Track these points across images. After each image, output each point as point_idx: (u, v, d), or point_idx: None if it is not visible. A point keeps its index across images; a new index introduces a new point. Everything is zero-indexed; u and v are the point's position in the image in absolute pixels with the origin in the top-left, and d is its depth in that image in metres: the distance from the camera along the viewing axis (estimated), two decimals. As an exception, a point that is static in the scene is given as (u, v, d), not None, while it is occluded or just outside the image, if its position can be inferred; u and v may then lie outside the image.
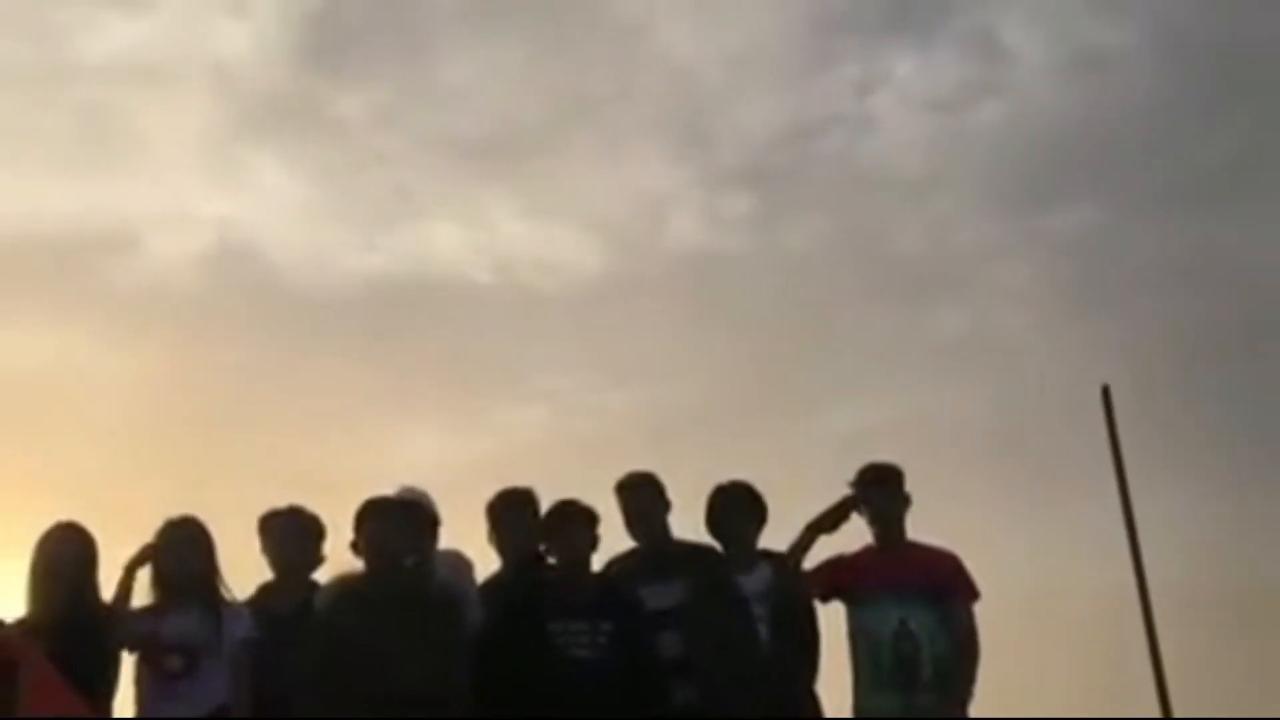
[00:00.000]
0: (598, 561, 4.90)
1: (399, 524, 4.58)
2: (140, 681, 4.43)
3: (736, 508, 4.87)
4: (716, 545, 4.94)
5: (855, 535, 4.96)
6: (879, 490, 4.89)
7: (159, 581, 4.54)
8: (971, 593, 4.88)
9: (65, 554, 4.46)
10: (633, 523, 5.02)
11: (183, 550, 4.55)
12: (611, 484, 5.03)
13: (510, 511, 4.91)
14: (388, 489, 4.71)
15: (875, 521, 4.89)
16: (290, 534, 4.87)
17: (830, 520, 4.85)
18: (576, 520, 4.80)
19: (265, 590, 4.86)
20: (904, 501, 4.93)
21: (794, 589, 4.77)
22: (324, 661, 4.35)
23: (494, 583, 4.87)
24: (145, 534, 4.66)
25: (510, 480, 5.04)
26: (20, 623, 4.34)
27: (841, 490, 4.90)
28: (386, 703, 4.22)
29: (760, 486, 4.94)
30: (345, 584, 4.61)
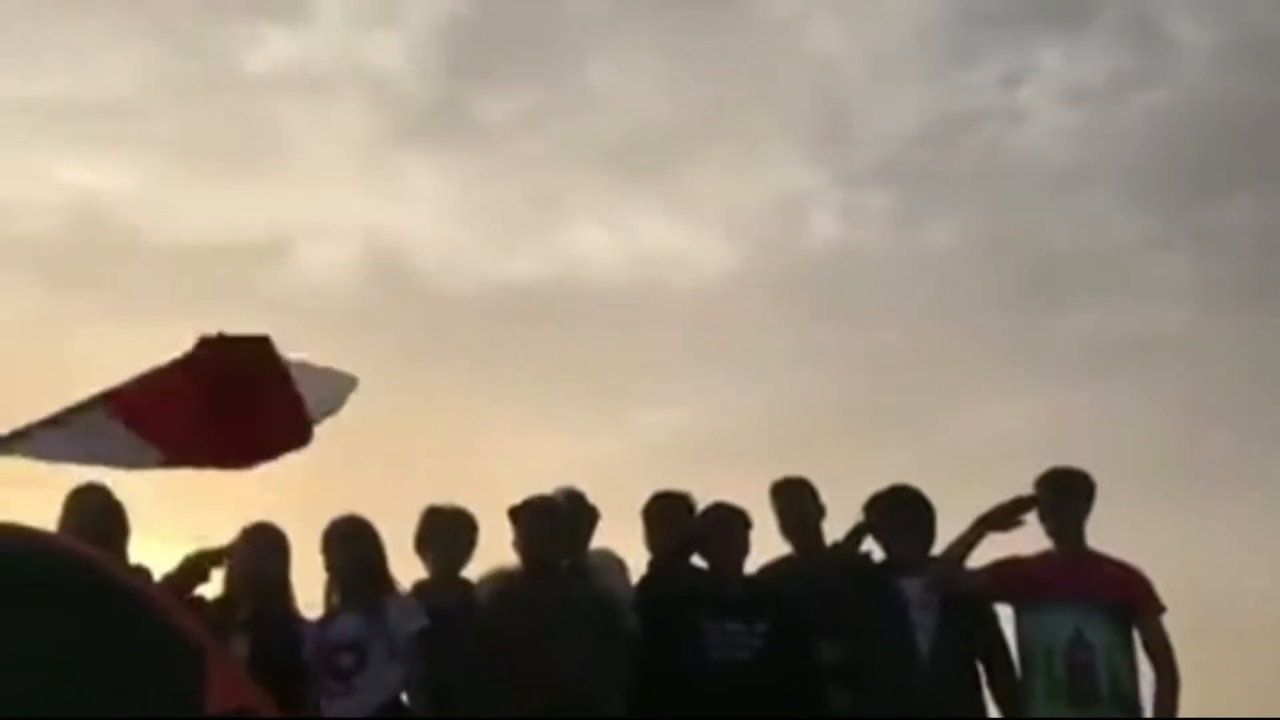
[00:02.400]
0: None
1: (554, 525, 4.62)
2: (313, 680, 4.51)
3: (900, 512, 4.72)
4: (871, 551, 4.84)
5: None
6: (1067, 496, 4.65)
7: (332, 582, 4.67)
8: (1158, 608, 4.61)
9: (263, 555, 4.64)
10: (788, 526, 4.94)
11: (349, 550, 4.67)
12: (745, 486, 4.97)
13: (667, 514, 4.89)
14: (533, 489, 4.73)
15: (1058, 527, 4.64)
16: (451, 532, 4.94)
17: (1003, 517, 4.62)
18: (733, 523, 4.76)
19: (422, 587, 4.92)
20: (1086, 507, 4.68)
21: (959, 595, 4.59)
22: (482, 660, 4.40)
23: (646, 583, 4.85)
24: (312, 533, 4.83)
25: (645, 483, 5.04)
26: (215, 608, 4.56)
27: (986, 495, 4.68)
28: (544, 703, 4.24)
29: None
30: (502, 581, 4.66)
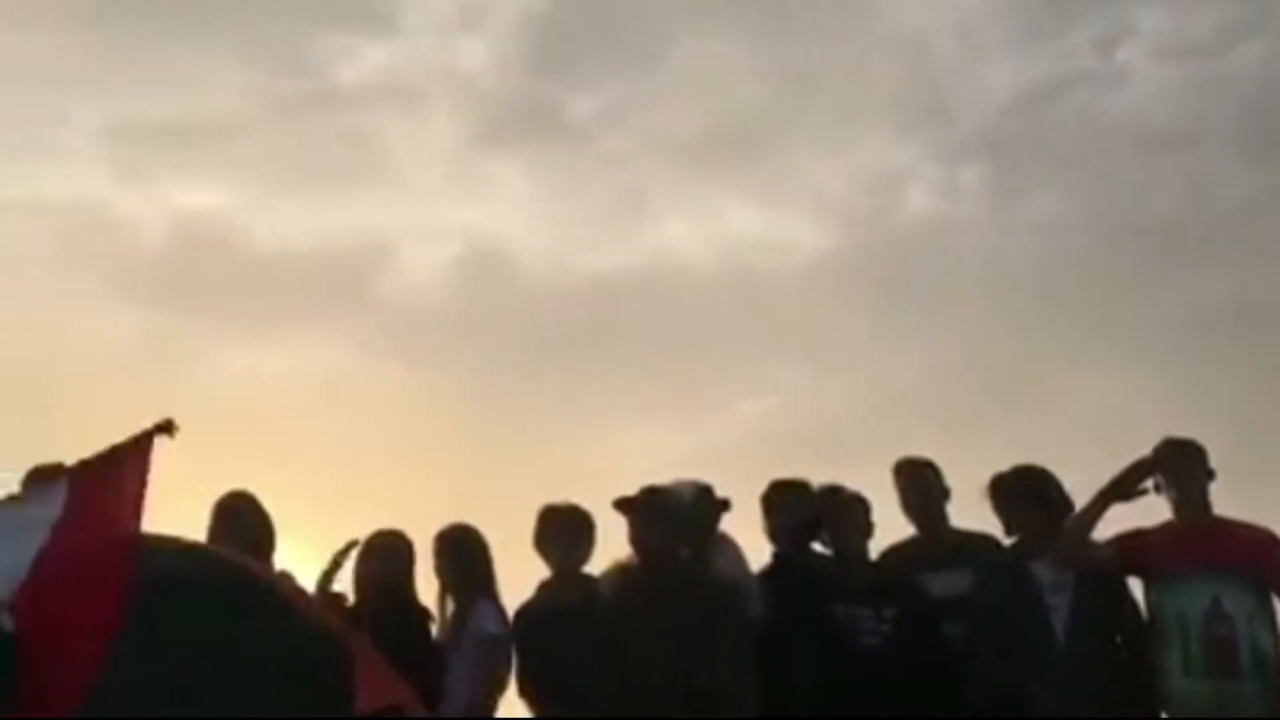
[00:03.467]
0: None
1: (665, 515, 4.62)
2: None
3: (1027, 493, 4.63)
4: (995, 534, 4.77)
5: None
6: (1184, 462, 4.49)
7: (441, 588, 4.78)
8: None
9: (389, 557, 4.76)
10: (910, 506, 4.90)
11: (449, 555, 4.79)
12: (848, 471, 4.94)
13: (787, 501, 4.88)
14: (640, 482, 4.73)
15: (1182, 496, 4.49)
16: (569, 530, 5.00)
17: (1123, 487, 4.48)
18: (854, 507, 4.74)
19: (546, 587, 5.00)
20: (1207, 476, 4.52)
21: (1087, 571, 4.50)
22: (606, 655, 4.44)
23: (769, 571, 4.85)
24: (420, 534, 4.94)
25: (747, 471, 5.03)
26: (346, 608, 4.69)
27: (1095, 474, 4.58)
28: (670, 694, 4.25)
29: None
30: (623, 574, 4.70)
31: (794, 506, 4.86)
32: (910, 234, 12.68)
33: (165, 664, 3.02)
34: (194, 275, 10.97)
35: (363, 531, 4.83)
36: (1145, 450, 4.55)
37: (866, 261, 12.51)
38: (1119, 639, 4.56)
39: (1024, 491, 4.65)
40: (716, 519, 4.85)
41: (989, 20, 12.60)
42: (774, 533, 4.91)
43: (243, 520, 4.61)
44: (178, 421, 4.31)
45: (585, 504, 5.06)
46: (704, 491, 4.81)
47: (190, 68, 10.83)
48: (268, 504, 4.79)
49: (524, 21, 12.20)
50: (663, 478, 4.82)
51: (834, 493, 4.78)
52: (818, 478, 4.92)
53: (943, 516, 4.94)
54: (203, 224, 11.15)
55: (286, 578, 4.27)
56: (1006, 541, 4.77)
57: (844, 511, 4.73)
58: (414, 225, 11.96)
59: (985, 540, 4.85)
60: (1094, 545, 4.53)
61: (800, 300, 12.10)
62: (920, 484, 4.93)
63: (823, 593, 4.59)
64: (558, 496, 5.13)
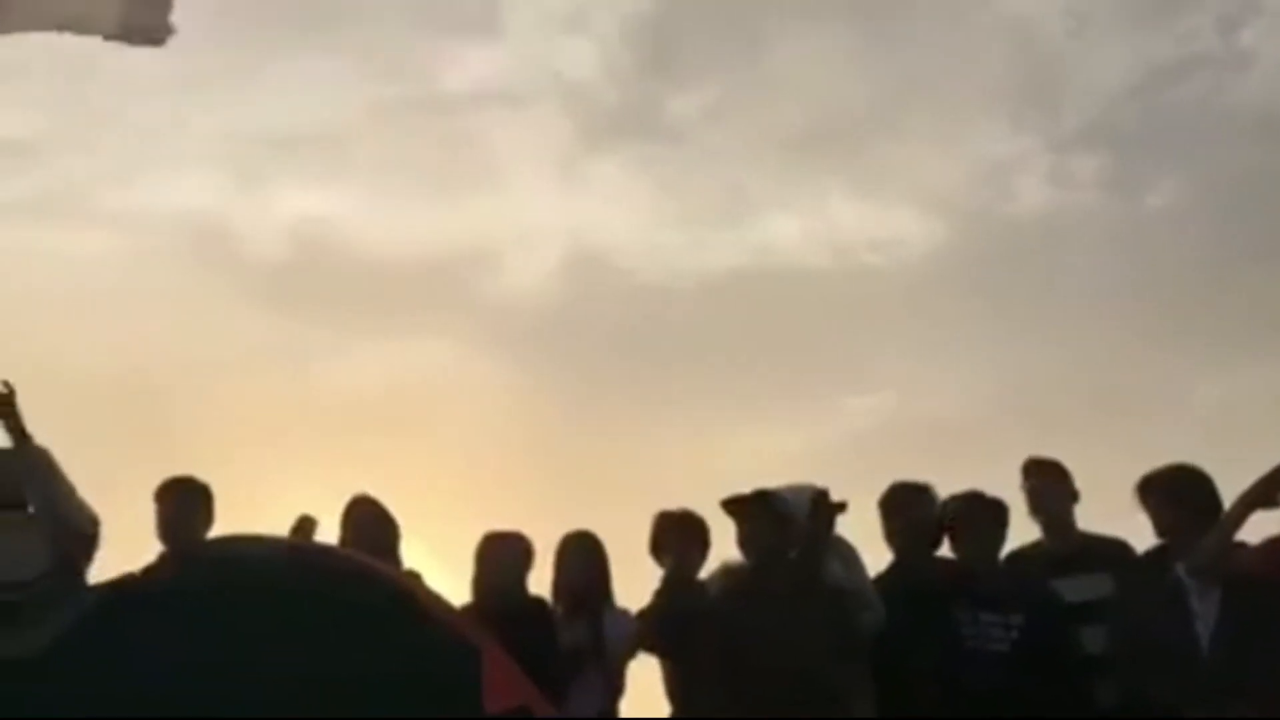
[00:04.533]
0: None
1: (775, 518, 4.55)
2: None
3: (1181, 494, 4.41)
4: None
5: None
6: None
7: (557, 594, 4.79)
8: None
9: (505, 557, 4.79)
10: (1038, 508, 4.76)
11: (576, 562, 4.78)
12: (961, 471, 4.88)
13: (908, 505, 4.79)
14: (749, 483, 4.64)
15: None
16: (683, 535, 4.95)
17: (1265, 494, 4.22)
18: (985, 514, 4.63)
19: (661, 592, 4.91)
20: None
21: (1232, 578, 4.27)
22: (720, 658, 4.40)
23: (891, 575, 4.76)
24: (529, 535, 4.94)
25: (856, 471, 4.94)
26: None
27: (1226, 472, 4.38)
28: (784, 697, 4.19)
29: (1128, 470, 4.54)
30: (731, 577, 4.66)
31: (915, 510, 4.77)
32: (1022, 227, 12.38)
33: (300, 666, 3.07)
34: (308, 280, 11.21)
35: (477, 531, 4.88)
36: (1270, 452, 4.31)
37: (976, 256, 12.25)
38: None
39: (1177, 492, 4.43)
40: (831, 522, 4.76)
41: (1102, 3, 12.25)
42: (893, 535, 4.82)
43: (370, 523, 4.68)
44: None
45: (692, 505, 5.02)
46: (819, 494, 4.73)
47: (303, 76, 11.09)
48: (395, 498, 4.85)
49: (627, 23, 12.23)
50: (770, 478, 4.76)
51: (965, 498, 4.67)
52: (927, 477, 4.85)
53: (1072, 519, 4.80)
54: (316, 230, 11.40)
55: (415, 577, 4.31)
56: (1142, 545, 4.62)
57: (974, 518, 4.62)
58: (520, 228, 12.07)
59: (1117, 544, 4.71)
60: (1236, 552, 4.33)
61: (909, 296, 11.90)
62: (1048, 484, 4.78)
63: (949, 597, 4.49)
64: (664, 499, 5.13)
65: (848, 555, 4.73)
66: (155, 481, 4.72)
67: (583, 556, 4.81)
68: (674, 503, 5.09)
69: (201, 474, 4.80)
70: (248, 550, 3.19)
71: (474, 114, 12.08)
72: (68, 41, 4.84)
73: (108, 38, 4.80)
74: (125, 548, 4.49)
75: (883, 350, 11.69)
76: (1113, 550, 4.70)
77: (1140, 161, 12.44)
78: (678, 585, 4.89)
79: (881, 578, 4.71)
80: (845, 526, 4.75)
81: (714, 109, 12.48)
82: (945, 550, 4.77)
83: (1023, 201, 12.63)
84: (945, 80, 12.07)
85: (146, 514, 4.74)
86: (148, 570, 3.79)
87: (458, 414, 10.83)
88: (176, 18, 4.80)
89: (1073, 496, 4.81)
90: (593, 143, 12.44)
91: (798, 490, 4.69)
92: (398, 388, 11.01)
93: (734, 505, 4.55)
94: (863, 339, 11.80)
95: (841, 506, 4.67)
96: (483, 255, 11.98)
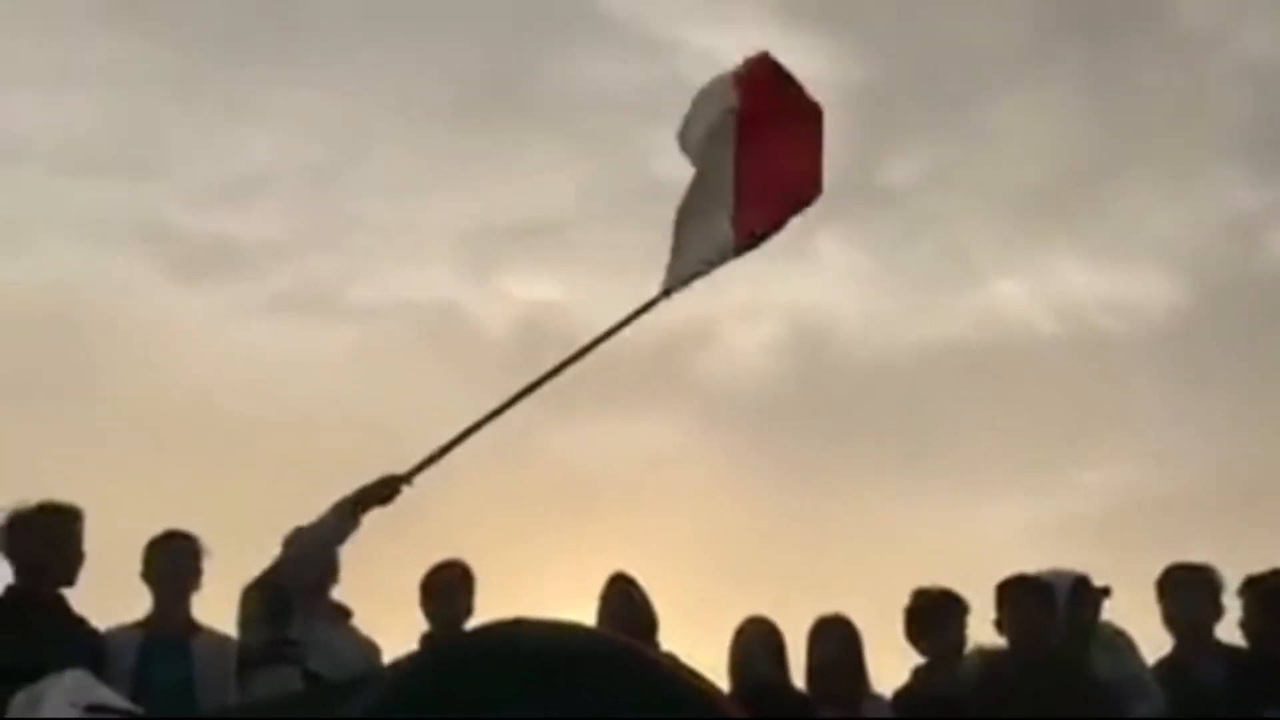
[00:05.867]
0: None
1: (1036, 603, 4.43)
2: None
3: None
4: None
5: None
6: None
7: (811, 679, 4.66)
8: None
9: (761, 642, 4.70)
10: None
11: (830, 647, 4.66)
12: (1209, 547, 4.66)
13: (1183, 586, 4.50)
14: (983, 562, 4.56)
15: None
16: (943, 615, 4.79)
17: None
18: None
19: (920, 673, 4.81)
20: None
21: None
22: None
23: (1171, 662, 4.48)
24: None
25: (1098, 547, 4.66)
26: None
27: None
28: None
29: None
30: (990, 661, 4.46)
31: (1193, 594, 4.49)
32: (1272, 285, 11.59)
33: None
34: (535, 365, 11.53)
35: (703, 611, 4.82)
36: None
37: (1222, 318, 11.52)
38: None
39: None
40: (1096, 609, 4.53)
41: (1353, 41, 11.48)
42: (1172, 619, 4.52)
43: (628, 604, 4.67)
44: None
45: (920, 581, 4.86)
46: (1080, 580, 4.52)
47: (529, 166, 11.54)
48: (603, 577, 4.82)
49: (836, 92, 12.20)
50: (998, 556, 4.60)
51: (1271, 579, 4.37)
52: (1168, 557, 4.63)
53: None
54: (543, 314, 11.75)
55: (671, 658, 4.27)
56: None
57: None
58: (735, 304, 12.10)
59: None
60: None
61: (1148, 362, 11.29)
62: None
63: (1247, 692, 4.14)
64: (891, 577, 4.97)
65: (1117, 642, 4.48)
66: (401, 561, 4.84)
67: (838, 641, 4.67)
68: (898, 582, 4.98)
69: (434, 552, 4.87)
70: (511, 634, 3.16)
71: (687, 198, 12.27)
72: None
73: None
74: (388, 629, 4.64)
75: (1120, 421, 11.12)
76: None
77: None
78: (937, 669, 4.72)
79: (1164, 663, 4.47)
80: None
81: (932, 173, 12.29)
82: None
83: (1272, 256, 11.85)
84: (1181, 127, 11.52)
85: (394, 591, 4.88)
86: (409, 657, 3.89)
87: (681, 492, 10.86)
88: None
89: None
90: (809, 214, 12.42)
91: (1059, 575, 4.50)
92: (621, 467, 11.14)
93: (1002, 588, 4.49)
94: (1097, 409, 11.25)
95: (1105, 592, 4.47)
96: (702, 333, 12.07)
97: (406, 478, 4.14)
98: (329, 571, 4.46)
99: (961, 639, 4.76)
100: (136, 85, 9.72)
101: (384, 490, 4.12)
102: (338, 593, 4.60)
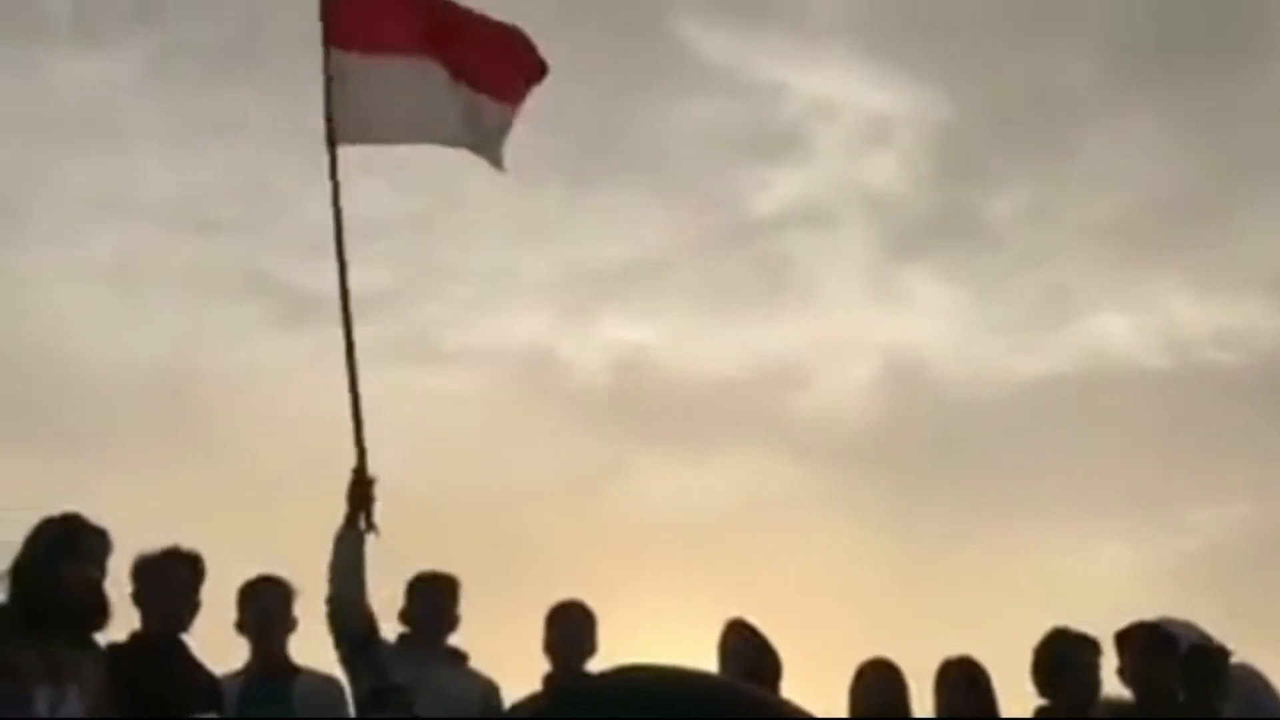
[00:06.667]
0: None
1: (1160, 654, 4.31)
2: None
3: None
4: None
5: None
6: None
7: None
8: None
9: (886, 685, 4.54)
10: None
11: (960, 692, 4.54)
12: None
13: None
14: (1095, 605, 4.40)
15: None
16: (1081, 657, 4.49)
17: None
18: None
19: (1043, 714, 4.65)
20: None
21: None
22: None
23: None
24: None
25: (1213, 587, 4.48)
26: None
27: None
28: None
29: None
30: (1116, 713, 4.34)
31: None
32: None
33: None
34: (631, 407, 11.63)
35: (800, 653, 4.75)
36: None
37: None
38: None
39: None
40: (1218, 669, 4.36)
41: None
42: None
43: (748, 648, 4.59)
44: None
45: (1032, 627, 4.61)
46: (1202, 638, 4.40)
47: (621, 211, 11.69)
48: (711, 619, 4.74)
49: (929, 131, 12.17)
50: (1108, 595, 4.47)
51: None
52: None
53: None
54: (637, 356, 11.84)
55: (788, 705, 4.24)
56: None
57: None
58: (831, 343, 12.07)
59: None
60: None
61: (1263, 394, 10.94)
62: None
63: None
64: (996, 619, 4.85)
65: (1256, 683, 4.32)
66: (502, 601, 4.88)
67: (966, 686, 4.53)
68: (1002, 625, 4.81)
69: (545, 594, 4.85)
70: (640, 679, 3.13)
71: (783, 234, 12.31)
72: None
73: (453, 145, 5.30)
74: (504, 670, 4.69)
75: (1233, 456, 10.78)
76: None
77: None
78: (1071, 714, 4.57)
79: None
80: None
81: (1029, 208, 12.14)
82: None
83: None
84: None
85: (492, 633, 4.92)
86: (531, 698, 3.94)
87: (776, 534, 10.80)
88: (509, 164, 5.26)
89: None
90: (902, 253, 12.35)
91: (1180, 629, 4.36)
92: (717, 505, 11.13)
93: (1120, 637, 4.38)
94: (1209, 444, 10.93)
95: (1223, 652, 4.31)
96: (796, 373, 12.05)
97: (358, 469, 4.43)
98: (446, 620, 4.54)
99: (1097, 685, 4.47)
100: (244, 141, 10.12)
101: (354, 492, 4.38)
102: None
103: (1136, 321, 12.02)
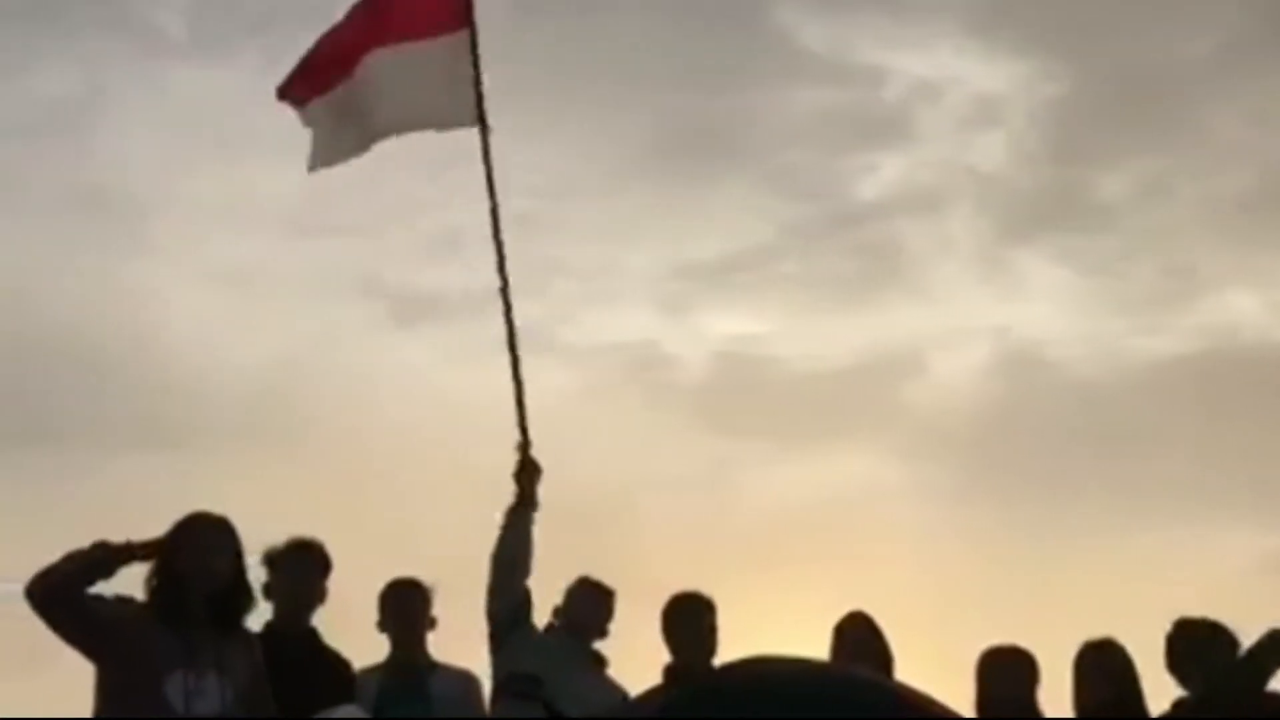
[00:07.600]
0: None
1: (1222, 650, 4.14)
2: None
3: None
4: None
5: None
6: None
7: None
8: None
9: (1016, 672, 4.43)
10: None
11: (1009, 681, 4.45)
12: None
13: None
14: (1207, 589, 4.21)
15: None
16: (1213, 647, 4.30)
17: None
18: None
19: (1183, 706, 4.50)
20: None
21: None
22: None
23: None
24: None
25: None
26: None
27: None
28: None
29: None
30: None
31: None
32: None
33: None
34: (739, 399, 11.60)
35: (913, 643, 4.68)
36: None
37: None
38: None
39: None
40: None
41: None
42: None
43: (867, 641, 4.55)
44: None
45: (1157, 616, 4.43)
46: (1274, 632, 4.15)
47: (724, 204, 11.67)
48: (826, 612, 4.72)
49: (1037, 110, 11.87)
50: (1237, 583, 4.28)
51: None
52: None
53: None
54: (743, 349, 11.80)
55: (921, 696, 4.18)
56: None
57: None
58: (943, 329, 11.87)
59: None
60: None
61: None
62: None
63: None
64: (1118, 610, 4.68)
65: None
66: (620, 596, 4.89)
67: (1111, 670, 4.35)
68: (1127, 614, 4.65)
69: (648, 587, 4.90)
70: (768, 671, 3.11)
71: (889, 220, 12.14)
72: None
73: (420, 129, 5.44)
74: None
75: (1376, 436, 10.30)
76: None
77: None
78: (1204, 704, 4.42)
79: None
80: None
81: (1147, 185, 11.75)
82: None
83: None
84: None
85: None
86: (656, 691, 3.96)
87: (892, 525, 10.67)
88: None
89: None
90: (1014, 235, 12.07)
91: None
92: (827, 497, 11.04)
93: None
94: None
95: None
96: (908, 360, 11.88)
97: (523, 447, 4.73)
98: (599, 627, 4.61)
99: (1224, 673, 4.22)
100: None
101: (522, 471, 4.66)
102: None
103: (1265, 298, 11.57)
